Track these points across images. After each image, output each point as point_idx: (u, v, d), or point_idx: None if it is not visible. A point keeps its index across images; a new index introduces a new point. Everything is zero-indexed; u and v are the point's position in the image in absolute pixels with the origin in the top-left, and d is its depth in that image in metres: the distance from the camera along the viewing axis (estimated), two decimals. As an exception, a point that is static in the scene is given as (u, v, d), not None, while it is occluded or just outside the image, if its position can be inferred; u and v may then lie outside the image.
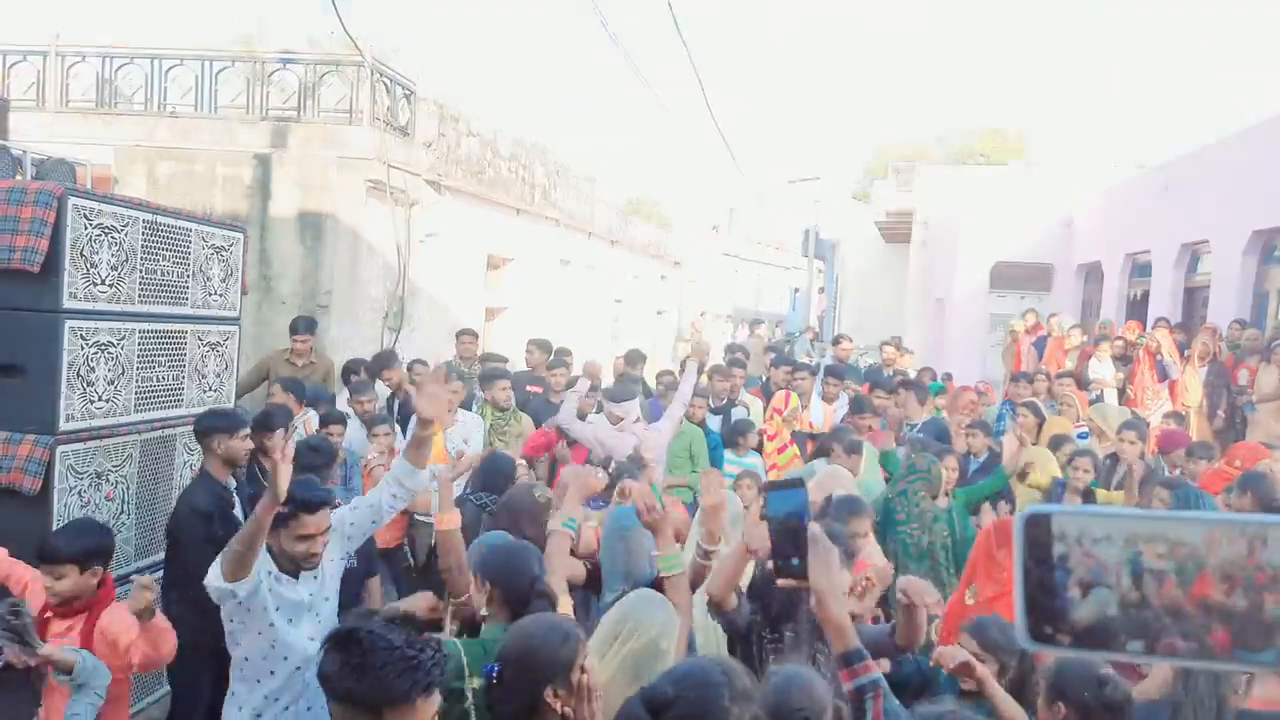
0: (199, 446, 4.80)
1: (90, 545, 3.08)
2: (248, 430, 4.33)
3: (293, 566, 3.06)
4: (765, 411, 7.80)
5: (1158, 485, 4.96)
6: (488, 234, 10.43)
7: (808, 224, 28.54)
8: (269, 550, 3.01)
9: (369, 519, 3.31)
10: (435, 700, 1.94)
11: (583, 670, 2.05)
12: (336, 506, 3.40)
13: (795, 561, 1.55)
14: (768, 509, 1.56)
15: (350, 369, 6.80)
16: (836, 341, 12.00)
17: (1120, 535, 0.58)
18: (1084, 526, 0.60)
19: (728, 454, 6.43)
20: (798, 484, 1.62)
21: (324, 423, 5.66)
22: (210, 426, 4.19)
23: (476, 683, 2.39)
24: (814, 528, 1.58)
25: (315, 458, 4.32)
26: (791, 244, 32.38)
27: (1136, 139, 14.79)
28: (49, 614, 3.11)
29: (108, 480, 4.20)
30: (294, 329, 6.77)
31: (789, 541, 1.55)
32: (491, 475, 4.51)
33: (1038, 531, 0.60)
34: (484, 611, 2.74)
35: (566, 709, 2.06)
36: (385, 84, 8.02)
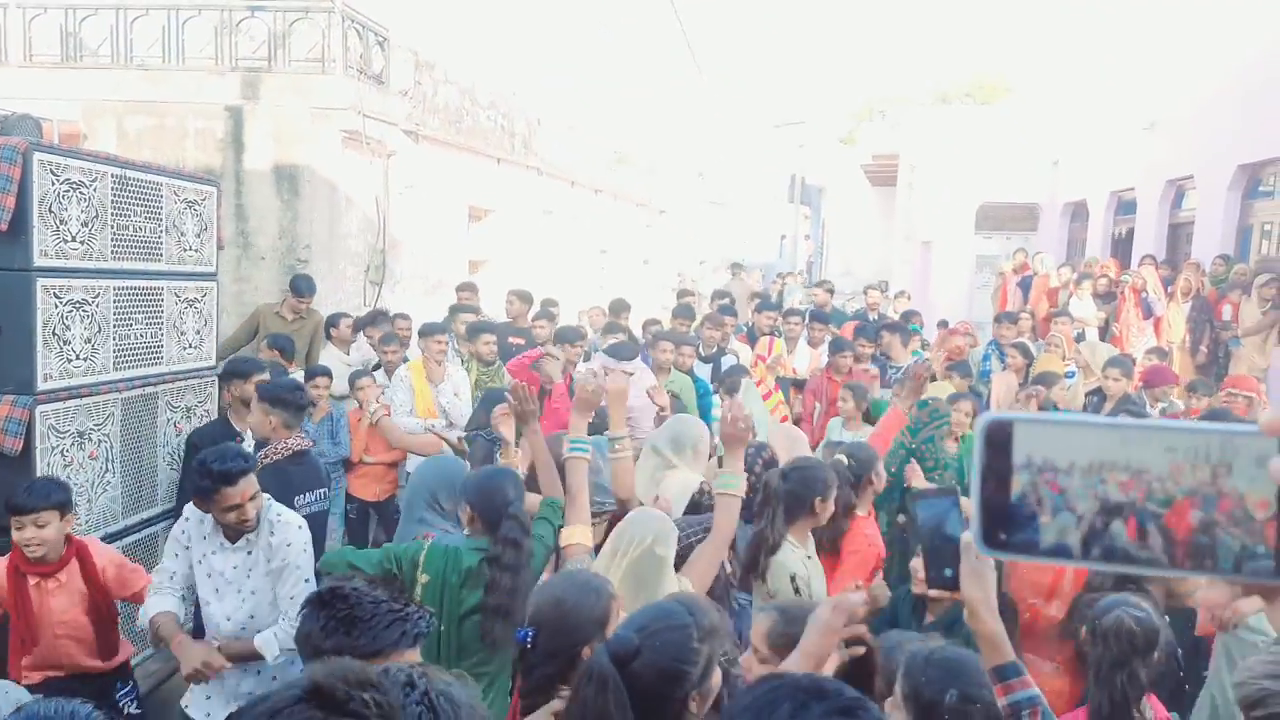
0: (181, 403, 4.79)
1: (63, 494, 3.27)
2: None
3: (234, 532, 3.10)
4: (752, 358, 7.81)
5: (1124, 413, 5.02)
6: (468, 184, 10.29)
7: (793, 169, 28.28)
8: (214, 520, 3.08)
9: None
10: (418, 653, 1.96)
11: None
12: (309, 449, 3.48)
13: (948, 572, 1.50)
14: (918, 518, 1.52)
15: (331, 322, 6.75)
16: (822, 284, 11.98)
17: (1084, 462, 0.57)
18: (1045, 437, 0.59)
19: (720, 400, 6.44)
20: (949, 492, 1.57)
21: (308, 376, 5.64)
22: (228, 372, 4.72)
23: (425, 578, 2.75)
24: (965, 538, 1.50)
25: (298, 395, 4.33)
26: (778, 190, 32.12)
27: (1123, 76, 14.63)
28: (35, 578, 3.20)
29: (90, 439, 4.17)
30: (296, 290, 6.69)
31: (941, 552, 1.51)
32: (492, 410, 4.59)
33: (998, 438, 0.60)
34: (466, 530, 2.95)
35: None
36: (357, 30, 7.81)
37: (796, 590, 3.14)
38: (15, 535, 3.18)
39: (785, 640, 2.08)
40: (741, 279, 17.84)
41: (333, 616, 1.91)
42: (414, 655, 1.94)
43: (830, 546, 3.56)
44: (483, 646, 2.77)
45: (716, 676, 1.82)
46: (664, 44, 25.22)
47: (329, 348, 6.69)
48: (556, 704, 1.98)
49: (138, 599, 3.35)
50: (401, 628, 1.91)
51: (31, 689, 2.95)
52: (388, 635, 1.89)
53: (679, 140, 25.20)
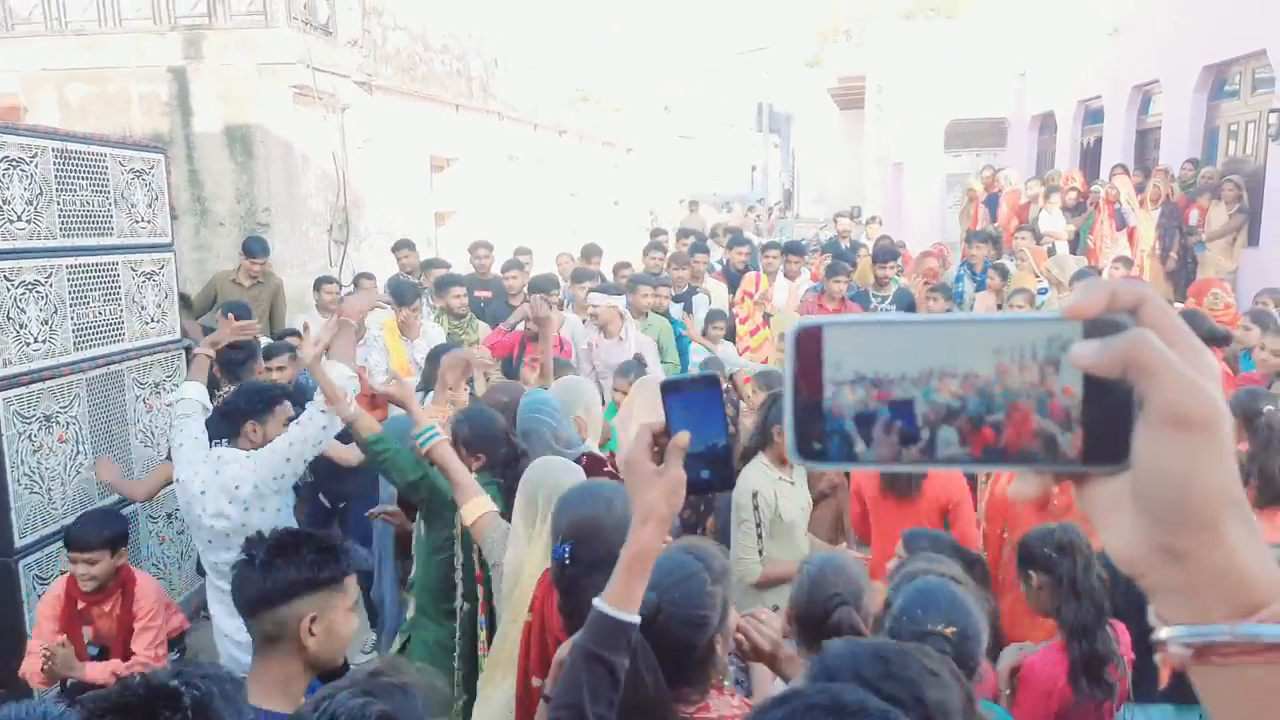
0: (149, 379, 4.73)
1: (117, 531, 3.42)
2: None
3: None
4: (733, 295, 7.77)
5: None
6: (428, 134, 10.07)
7: (761, 97, 27.88)
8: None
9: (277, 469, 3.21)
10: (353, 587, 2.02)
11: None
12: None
13: (705, 474, 1.24)
14: (668, 410, 1.23)
15: (314, 287, 6.65)
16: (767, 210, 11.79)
17: (897, 363, 0.56)
18: (857, 340, 0.57)
19: (697, 346, 6.41)
20: (710, 381, 1.24)
21: (268, 355, 5.36)
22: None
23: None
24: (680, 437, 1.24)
25: (235, 354, 4.42)
26: (746, 120, 31.71)
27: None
28: (83, 603, 3.37)
29: (57, 422, 4.11)
30: (248, 251, 6.56)
31: (705, 455, 1.23)
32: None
33: (809, 345, 0.58)
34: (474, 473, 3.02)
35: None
36: (299, -20, 7.54)
37: (756, 508, 3.37)
38: (71, 566, 3.39)
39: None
40: (699, 214, 17.68)
41: (280, 554, 1.93)
42: (353, 588, 2.02)
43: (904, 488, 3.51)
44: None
45: (733, 616, 1.85)
46: (621, -25, 24.54)
47: (313, 313, 6.59)
48: None
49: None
50: (337, 560, 1.96)
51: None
52: (330, 567, 1.94)
53: (643, 75, 24.70)
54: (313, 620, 1.89)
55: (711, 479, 1.26)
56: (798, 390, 0.58)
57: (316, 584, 1.91)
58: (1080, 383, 0.54)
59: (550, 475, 2.55)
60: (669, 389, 1.24)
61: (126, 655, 3.39)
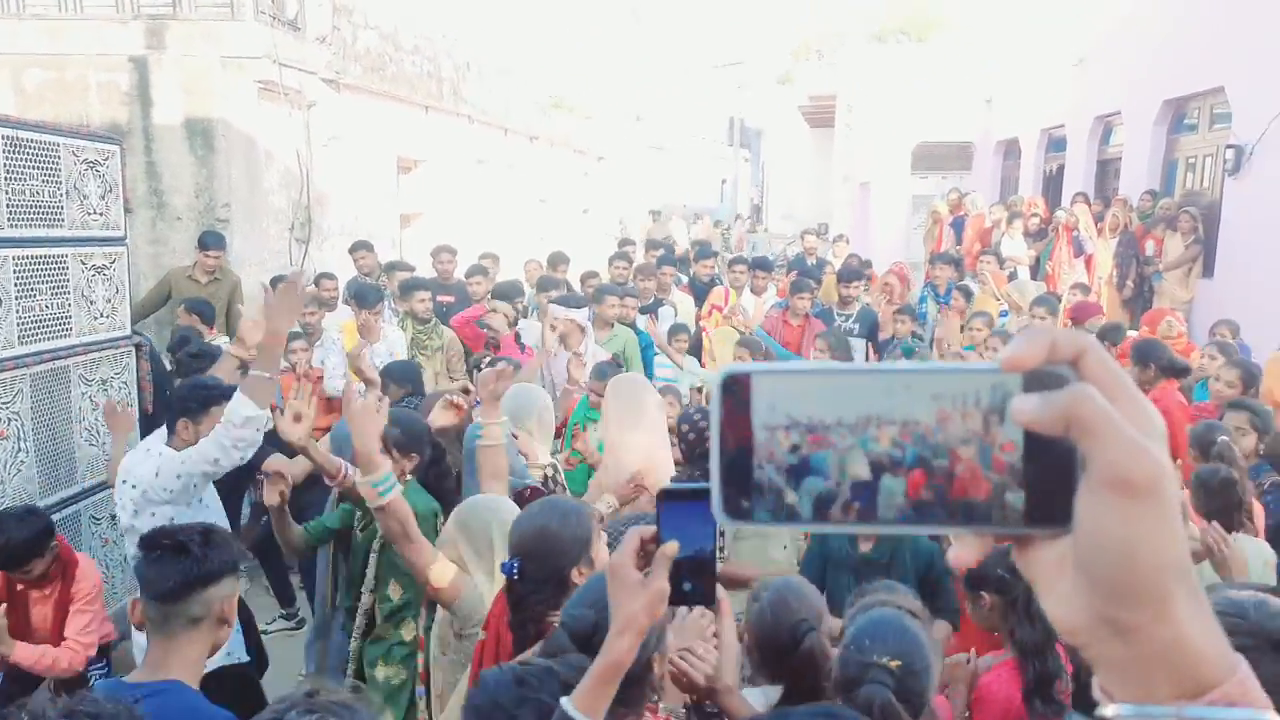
0: (96, 375, 4.59)
1: (37, 530, 3.21)
2: None
3: None
4: (700, 309, 7.77)
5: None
6: (395, 134, 9.95)
7: (732, 112, 28.03)
8: None
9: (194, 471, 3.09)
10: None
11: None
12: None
13: (687, 586, 1.20)
14: (660, 521, 1.20)
15: (271, 286, 6.52)
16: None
17: (847, 418, 0.52)
18: (787, 389, 0.54)
19: (662, 358, 6.38)
20: (701, 494, 1.19)
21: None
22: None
23: None
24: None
25: (196, 362, 4.41)
26: (718, 133, 31.88)
27: (1052, 11, 14.67)
28: (22, 585, 3.26)
29: (-2, 418, 3.97)
30: (202, 244, 6.42)
31: (691, 563, 1.20)
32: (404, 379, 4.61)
33: (736, 392, 0.54)
34: (408, 477, 3.14)
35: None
36: (269, -26, 7.41)
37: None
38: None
39: None
40: (663, 224, 17.71)
41: (194, 542, 2.05)
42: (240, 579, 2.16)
43: None
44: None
45: (671, 639, 1.81)
46: (597, -16, 24.61)
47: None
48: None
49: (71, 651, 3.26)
50: (231, 549, 2.09)
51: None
52: (231, 554, 2.08)
53: (616, 83, 24.72)
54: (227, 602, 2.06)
55: (694, 591, 1.21)
56: (724, 442, 0.54)
57: (234, 569, 2.09)
58: (1021, 439, 0.51)
59: (500, 514, 2.52)
60: (666, 496, 1.20)
61: (60, 639, 3.29)
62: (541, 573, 2.07)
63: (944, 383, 0.52)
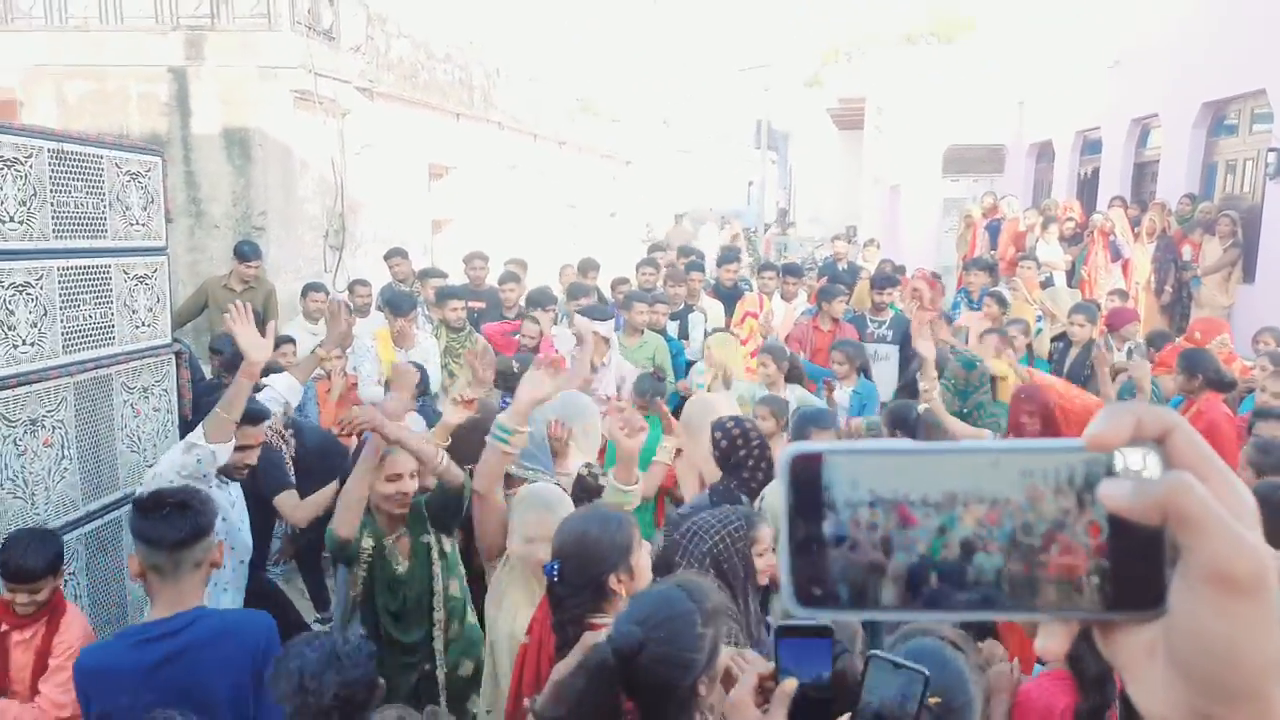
0: (138, 383, 4.66)
1: (55, 551, 3.18)
2: None
3: (224, 474, 3.40)
4: (732, 314, 7.73)
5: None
6: (427, 141, 10.03)
7: (760, 114, 27.96)
8: None
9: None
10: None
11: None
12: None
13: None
14: (780, 659, 1.22)
15: (301, 294, 6.60)
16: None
17: (931, 496, 0.50)
18: (866, 469, 0.51)
19: (702, 366, 6.30)
20: (823, 632, 1.23)
21: (274, 344, 5.50)
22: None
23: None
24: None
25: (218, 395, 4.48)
26: (745, 136, 31.82)
27: (1087, 13, 14.49)
28: (6, 625, 3.12)
29: (43, 426, 4.03)
30: (241, 255, 6.51)
31: (809, 702, 1.22)
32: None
33: (806, 475, 0.51)
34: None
35: (630, 591, 2.09)
36: (304, -16, 7.51)
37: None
38: (7, 594, 3.11)
39: None
40: (683, 227, 17.70)
41: (187, 503, 2.41)
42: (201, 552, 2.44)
43: None
44: None
45: (723, 657, 1.77)
46: (625, -12, 24.65)
47: (298, 319, 6.54)
48: (590, 638, 1.99)
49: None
50: (211, 509, 2.48)
51: None
52: (211, 514, 2.48)
53: (643, 87, 24.76)
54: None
55: None
56: (794, 525, 0.51)
57: (215, 521, 2.52)
58: (1106, 520, 0.49)
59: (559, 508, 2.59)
60: (784, 633, 1.23)
61: (35, 691, 3.10)
62: (580, 577, 2.11)
63: (1029, 461, 0.50)
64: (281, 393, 3.77)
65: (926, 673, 1.19)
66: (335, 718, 1.97)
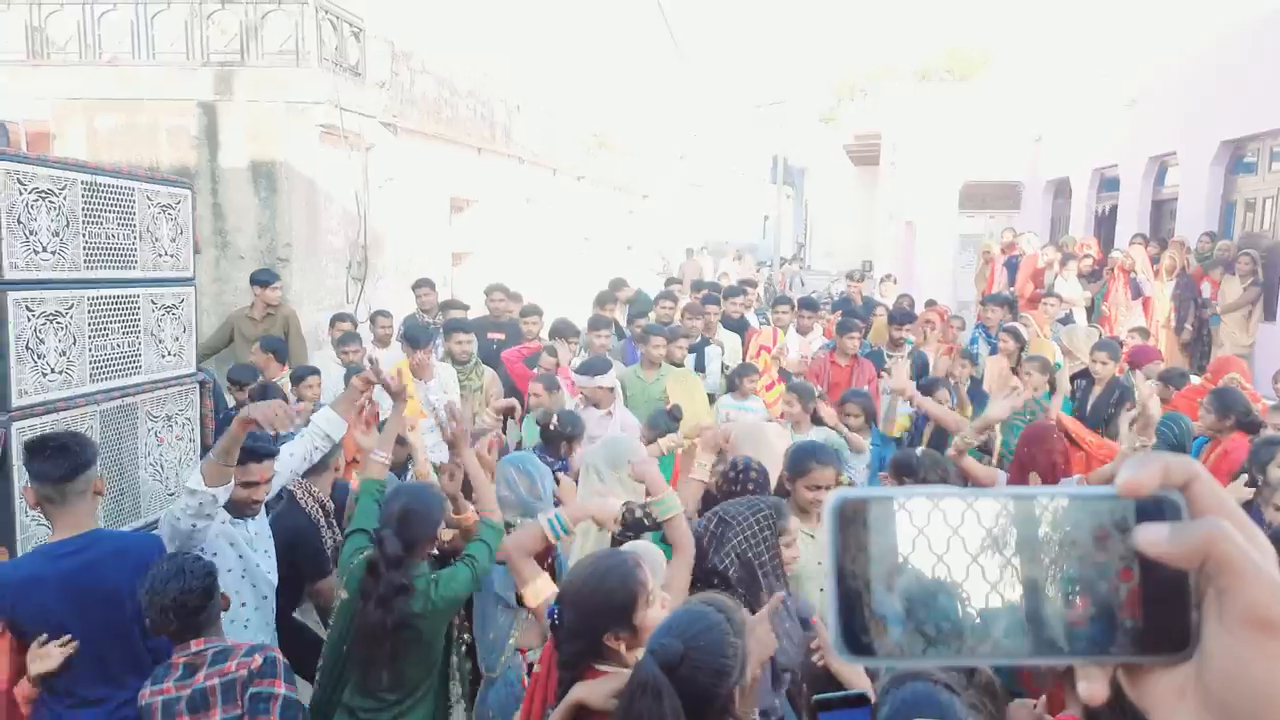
0: (162, 412, 4.70)
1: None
2: None
3: (235, 512, 3.30)
4: (748, 348, 7.73)
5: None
6: (449, 175, 10.16)
7: (775, 150, 28.17)
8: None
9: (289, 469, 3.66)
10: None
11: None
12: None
13: None
14: None
15: (329, 324, 6.68)
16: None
17: (971, 545, 0.51)
18: (912, 515, 0.51)
19: (728, 399, 6.28)
20: (861, 701, 1.32)
21: (297, 378, 5.55)
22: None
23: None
24: None
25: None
26: (760, 171, 32.05)
27: (1104, 51, 14.62)
28: None
29: (69, 454, 4.08)
30: (261, 282, 6.58)
31: None
32: None
33: (852, 520, 0.51)
34: None
35: (632, 652, 2.05)
36: (332, 22, 7.66)
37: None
38: None
39: None
40: (695, 261, 17.76)
41: (73, 443, 2.86)
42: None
43: None
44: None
45: (753, 669, 1.87)
46: (643, 23, 25.01)
47: (324, 351, 6.60)
48: (580, 690, 2.01)
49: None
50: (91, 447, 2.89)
51: None
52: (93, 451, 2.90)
53: (660, 122, 25.02)
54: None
55: None
56: (841, 573, 0.51)
57: (96, 457, 2.92)
58: (1137, 564, 0.50)
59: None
60: (821, 706, 1.27)
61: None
62: (577, 627, 2.09)
63: (1067, 506, 0.51)
64: (322, 427, 3.76)
65: None
66: (172, 615, 2.50)
